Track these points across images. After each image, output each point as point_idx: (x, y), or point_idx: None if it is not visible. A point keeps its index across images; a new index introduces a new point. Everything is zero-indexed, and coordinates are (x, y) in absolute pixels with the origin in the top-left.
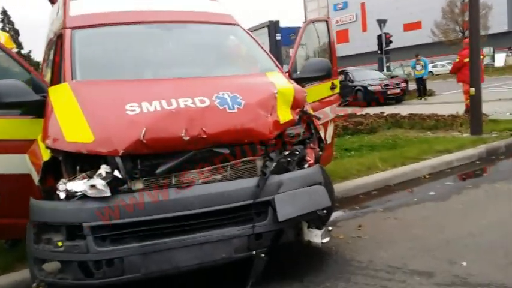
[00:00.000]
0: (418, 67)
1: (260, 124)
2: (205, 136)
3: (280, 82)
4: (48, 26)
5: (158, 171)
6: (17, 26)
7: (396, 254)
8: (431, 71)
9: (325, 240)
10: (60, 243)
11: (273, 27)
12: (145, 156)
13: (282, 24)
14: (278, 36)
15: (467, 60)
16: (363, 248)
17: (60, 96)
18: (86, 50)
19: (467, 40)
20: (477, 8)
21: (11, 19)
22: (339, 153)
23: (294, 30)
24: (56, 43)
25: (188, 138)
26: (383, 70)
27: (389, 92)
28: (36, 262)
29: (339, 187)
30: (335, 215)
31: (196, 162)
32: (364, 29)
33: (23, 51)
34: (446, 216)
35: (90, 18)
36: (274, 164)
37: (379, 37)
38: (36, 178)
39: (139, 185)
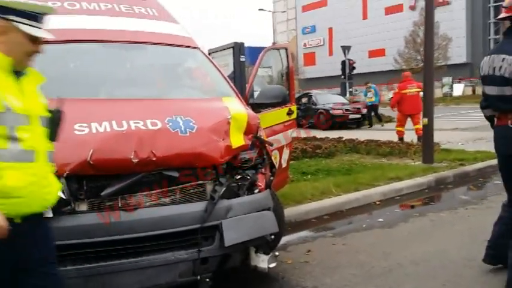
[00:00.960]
0: (369, 94)
1: (211, 149)
2: (154, 159)
3: (235, 108)
4: None
5: (104, 193)
6: None
7: (340, 280)
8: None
9: (271, 265)
10: None
11: (237, 49)
12: (92, 177)
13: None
14: (243, 58)
15: (404, 91)
16: (309, 274)
17: None
18: (39, 66)
19: (406, 73)
20: (432, 40)
21: None
22: (296, 177)
23: (260, 50)
24: None
25: (137, 160)
26: (346, 95)
27: (350, 117)
28: None
29: (293, 211)
30: (286, 239)
31: (145, 185)
32: (331, 53)
33: None
34: (392, 243)
35: None
36: (224, 188)
37: (343, 63)
38: None
39: (83, 206)
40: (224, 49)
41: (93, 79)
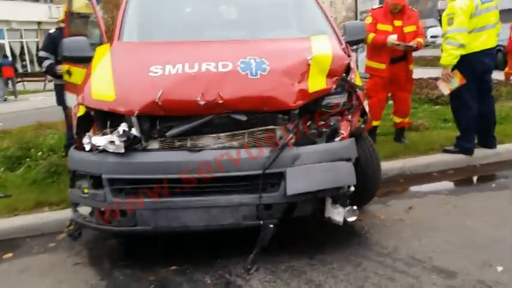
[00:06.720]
0: None
1: (282, 92)
2: (221, 101)
3: (320, 47)
4: None
5: (169, 133)
6: None
7: (428, 245)
8: None
9: (350, 219)
10: (86, 190)
11: None
12: (165, 117)
13: None
14: None
15: None
16: (397, 234)
17: (100, 55)
18: (138, 11)
19: None
20: None
21: None
22: (434, 124)
23: None
24: None
25: (204, 102)
26: None
27: None
28: (72, 204)
29: (411, 162)
30: (390, 192)
31: (213, 127)
32: None
33: None
34: None
35: None
36: (291, 135)
37: None
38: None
39: (155, 144)
40: None
41: (186, 22)
